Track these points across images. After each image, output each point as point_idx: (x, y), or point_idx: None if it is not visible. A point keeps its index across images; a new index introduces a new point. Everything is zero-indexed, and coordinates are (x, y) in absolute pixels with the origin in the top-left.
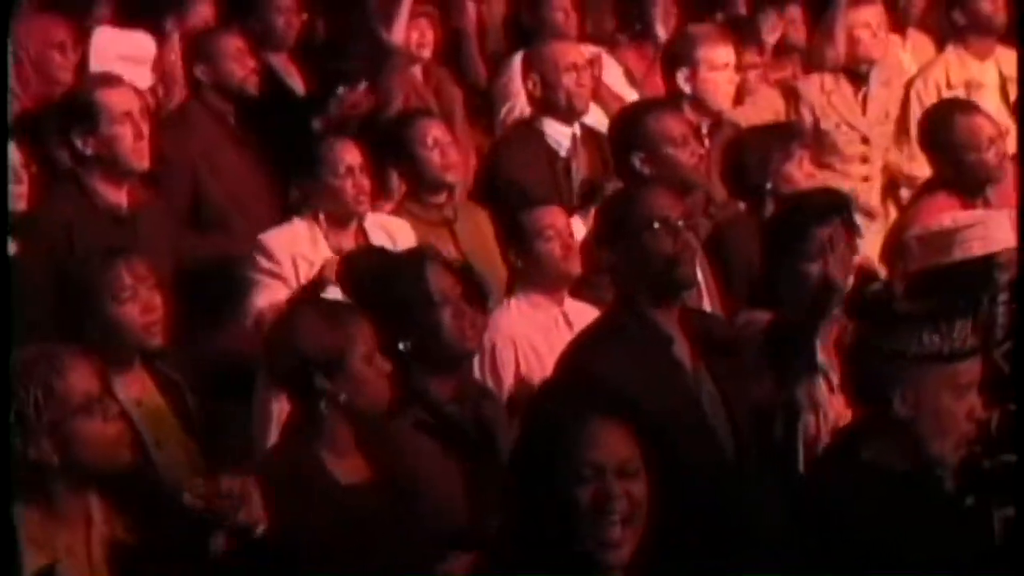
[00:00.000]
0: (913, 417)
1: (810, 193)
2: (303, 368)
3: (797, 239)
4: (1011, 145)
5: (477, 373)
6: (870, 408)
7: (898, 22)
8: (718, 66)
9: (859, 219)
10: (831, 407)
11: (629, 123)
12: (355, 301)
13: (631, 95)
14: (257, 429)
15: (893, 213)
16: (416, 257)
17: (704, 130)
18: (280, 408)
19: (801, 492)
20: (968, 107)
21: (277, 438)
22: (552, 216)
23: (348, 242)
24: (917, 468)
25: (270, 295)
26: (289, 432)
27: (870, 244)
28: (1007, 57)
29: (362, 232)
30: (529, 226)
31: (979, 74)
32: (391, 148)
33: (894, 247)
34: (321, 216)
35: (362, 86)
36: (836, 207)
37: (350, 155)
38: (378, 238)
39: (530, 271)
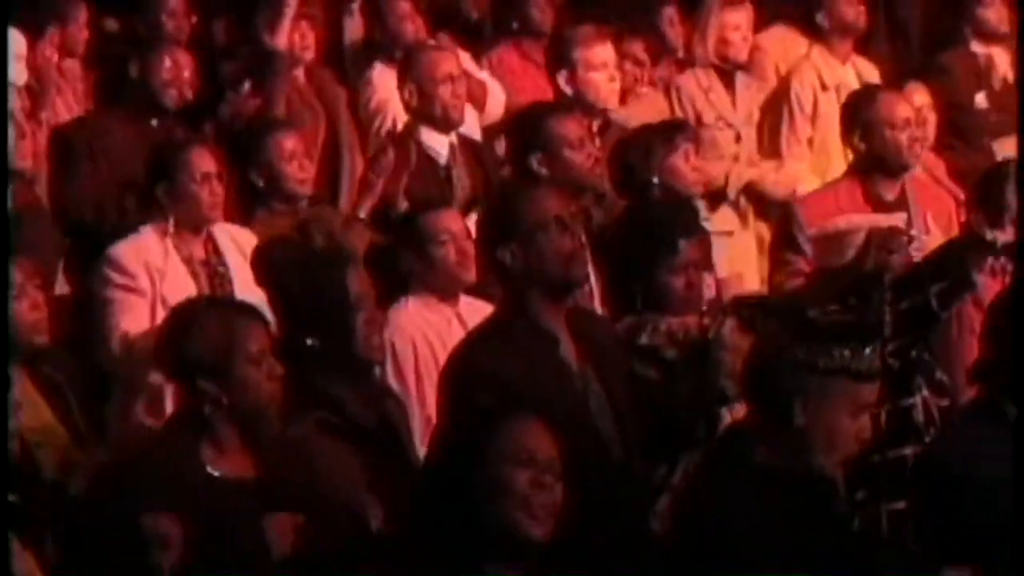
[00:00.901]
0: (806, 428)
1: (666, 206)
2: (187, 371)
3: (664, 252)
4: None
5: (378, 370)
6: (767, 412)
7: (763, 18)
8: (596, 66)
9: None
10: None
11: (529, 124)
12: (267, 290)
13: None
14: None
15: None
16: (338, 257)
17: (594, 129)
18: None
19: (691, 491)
20: (888, 89)
21: (162, 427)
22: (448, 220)
23: (198, 251)
24: (806, 470)
25: (131, 314)
26: (172, 423)
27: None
28: (861, 61)
29: (211, 240)
30: (425, 229)
31: (840, 75)
32: (247, 157)
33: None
34: (171, 224)
35: (245, 89)
36: (694, 220)
37: (206, 162)
38: (226, 247)
39: (425, 274)
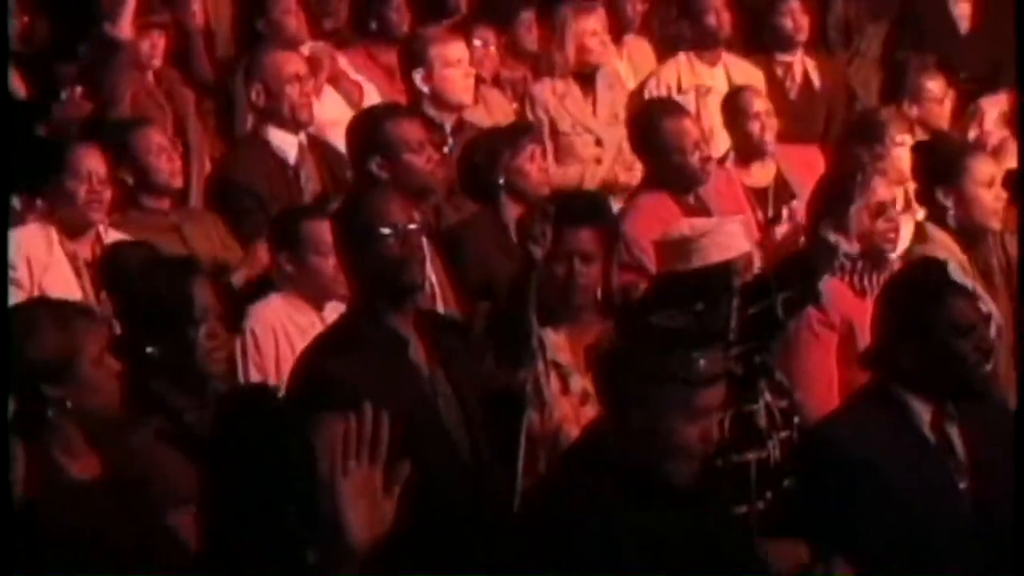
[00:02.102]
0: (647, 431)
1: (563, 196)
2: (29, 375)
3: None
4: (718, 149)
5: (239, 359)
6: (611, 414)
7: (616, 28)
8: (452, 62)
9: None
10: (559, 407)
11: (367, 127)
12: (111, 295)
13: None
14: None
15: None
16: (185, 267)
17: (448, 128)
18: None
19: (544, 491)
20: (674, 110)
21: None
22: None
23: (84, 251)
24: (652, 472)
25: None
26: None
27: None
28: (734, 63)
29: (99, 243)
30: (306, 236)
31: (709, 79)
32: (116, 153)
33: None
34: (56, 220)
35: (78, 91)
36: (592, 211)
37: (89, 161)
38: None
39: (298, 278)
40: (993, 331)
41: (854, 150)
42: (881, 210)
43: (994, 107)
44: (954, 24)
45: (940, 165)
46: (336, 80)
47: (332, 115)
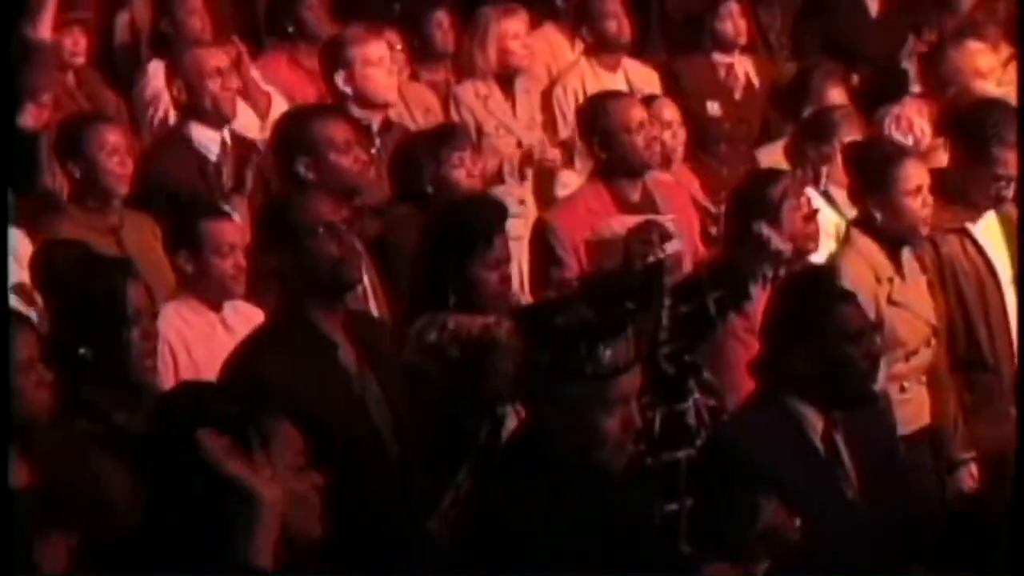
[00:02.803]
0: (567, 427)
1: (473, 199)
2: None
3: (479, 246)
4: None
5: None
6: (528, 412)
7: (535, 19)
8: (374, 61)
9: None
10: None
11: (293, 128)
12: (43, 292)
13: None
14: None
15: None
16: (120, 267)
17: (375, 128)
18: None
19: (478, 490)
20: (621, 95)
21: None
22: (232, 233)
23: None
24: (582, 463)
25: None
26: None
27: None
28: (633, 68)
29: None
30: (208, 237)
31: (610, 83)
32: (67, 149)
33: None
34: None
35: None
36: (504, 215)
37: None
38: None
39: (197, 280)
40: (878, 340)
41: (804, 148)
42: (812, 214)
43: (904, 112)
44: (865, 9)
45: (869, 174)
46: (245, 90)
47: (240, 125)
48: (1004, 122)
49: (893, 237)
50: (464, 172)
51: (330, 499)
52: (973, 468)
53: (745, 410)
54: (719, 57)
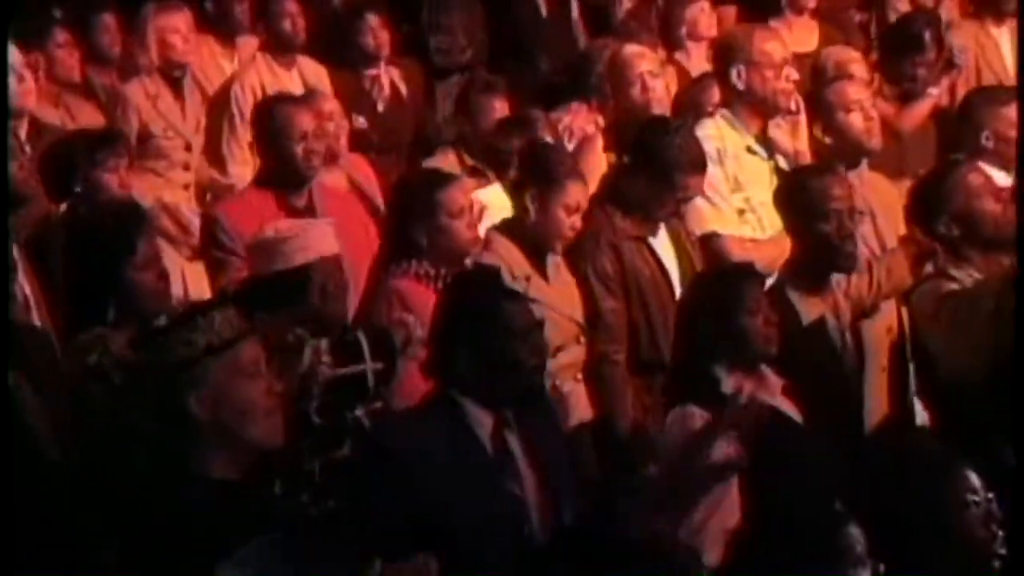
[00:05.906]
0: (215, 416)
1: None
2: None
3: (123, 252)
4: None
5: None
6: None
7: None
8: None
9: None
10: None
11: None
12: None
13: None
14: None
15: None
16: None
17: (22, 136)
18: None
19: None
20: (292, 101)
21: None
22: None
23: None
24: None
25: None
26: None
27: None
28: (307, 65)
29: None
30: None
31: (288, 81)
32: None
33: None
34: None
35: None
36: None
37: None
38: None
39: None
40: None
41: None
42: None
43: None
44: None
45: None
46: None
47: None
48: (686, 146)
49: (535, 244)
50: (117, 178)
51: None
52: None
53: (408, 411)
54: (363, 70)
